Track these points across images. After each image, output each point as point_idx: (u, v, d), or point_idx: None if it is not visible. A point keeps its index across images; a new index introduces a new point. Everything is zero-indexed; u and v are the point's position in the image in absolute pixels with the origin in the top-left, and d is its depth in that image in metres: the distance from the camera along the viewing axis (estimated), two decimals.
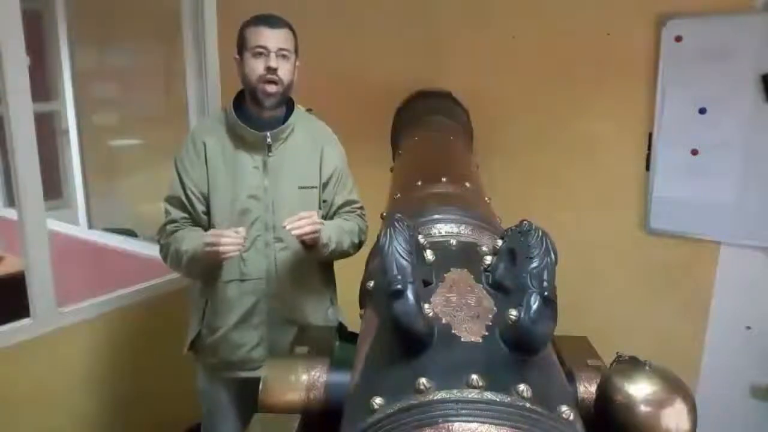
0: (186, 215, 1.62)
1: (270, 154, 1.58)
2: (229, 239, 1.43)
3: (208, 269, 1.59)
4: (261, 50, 1.51)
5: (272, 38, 1.51)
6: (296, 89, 1.63)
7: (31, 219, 1.86)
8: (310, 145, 1.65)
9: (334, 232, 1.58)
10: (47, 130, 3.57)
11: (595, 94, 2.16)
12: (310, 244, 1.53)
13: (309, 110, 1.72)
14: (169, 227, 1.62)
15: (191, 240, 1.55)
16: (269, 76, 1.51)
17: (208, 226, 1.61)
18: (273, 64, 1.50)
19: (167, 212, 1.63)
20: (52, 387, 2.01)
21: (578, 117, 2.20)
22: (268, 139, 1.56)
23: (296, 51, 1.59)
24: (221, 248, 1.42)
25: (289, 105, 1.64)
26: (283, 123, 1.60)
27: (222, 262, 1.54)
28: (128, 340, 2.23)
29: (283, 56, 1.53)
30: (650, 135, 2.08)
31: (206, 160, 1.58)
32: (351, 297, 1.18)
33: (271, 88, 1.52)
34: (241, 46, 1.56)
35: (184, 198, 1.60)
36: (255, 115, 1.58)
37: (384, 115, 2.26)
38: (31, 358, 1.94)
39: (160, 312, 2.31)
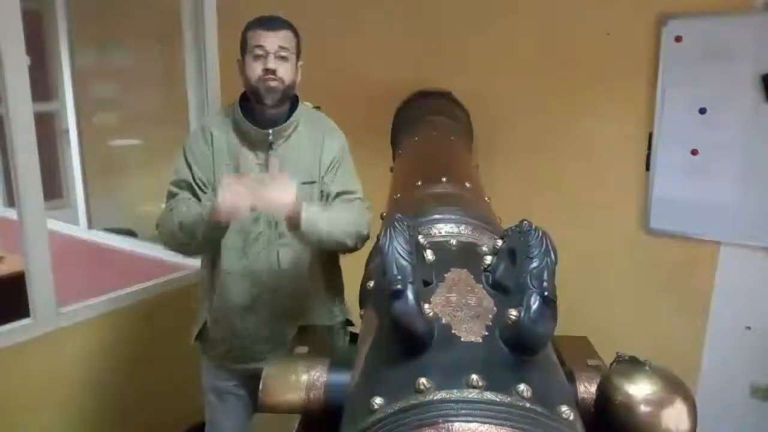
0: (192, 197, 1.60)
1: (272, 151, 1.58)
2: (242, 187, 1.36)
3: (210, 233, 1.48)
4: (260, 52, 1.51)
5: (270, 39, 1.50)
6: (297, 89, 1.62)
7: (31, 219, 1.86)
8: (312, 139, 1.64)
9: (319, 212, 1.48)
10: (47, 130, 3.57)
11: (595, 94, 2.16)
12: (291, 223, 1.44)
13: (317, 108, 1.71)
14: (172, 202, 1.59)
15: (197, 205, 1.51)
16: (267, 76, 1.51)
17: None
18: (271, 65, 1.50)
19: (172, 193, 1.60)
20: (52, 387, 2.01)
21: (578, 117, 2.20)
22: (270, 137, 1.57)
23: (298, 51, 1.58)
24: (234, 195, 1.34)
25: (293, 103, 1.63)
26: (286, 120, 1.60)
27: (224, 228, 1.46)
28: (128, 340, 2.23)
29: (282, 57, 1.52)
30: (650, 135, 2.08)
31: (213, 151, 1.60)
32: (352, 297, 1.18)
33: (272, 83, 1.51)
34: (243, 48, 1.56)
35: (192, 182, 1.60)
36: (259, 113, 1.58)
37: (384, 115, 2.26)
38: (31, 358, 1.93)
39: (160, 312, 2.31)
